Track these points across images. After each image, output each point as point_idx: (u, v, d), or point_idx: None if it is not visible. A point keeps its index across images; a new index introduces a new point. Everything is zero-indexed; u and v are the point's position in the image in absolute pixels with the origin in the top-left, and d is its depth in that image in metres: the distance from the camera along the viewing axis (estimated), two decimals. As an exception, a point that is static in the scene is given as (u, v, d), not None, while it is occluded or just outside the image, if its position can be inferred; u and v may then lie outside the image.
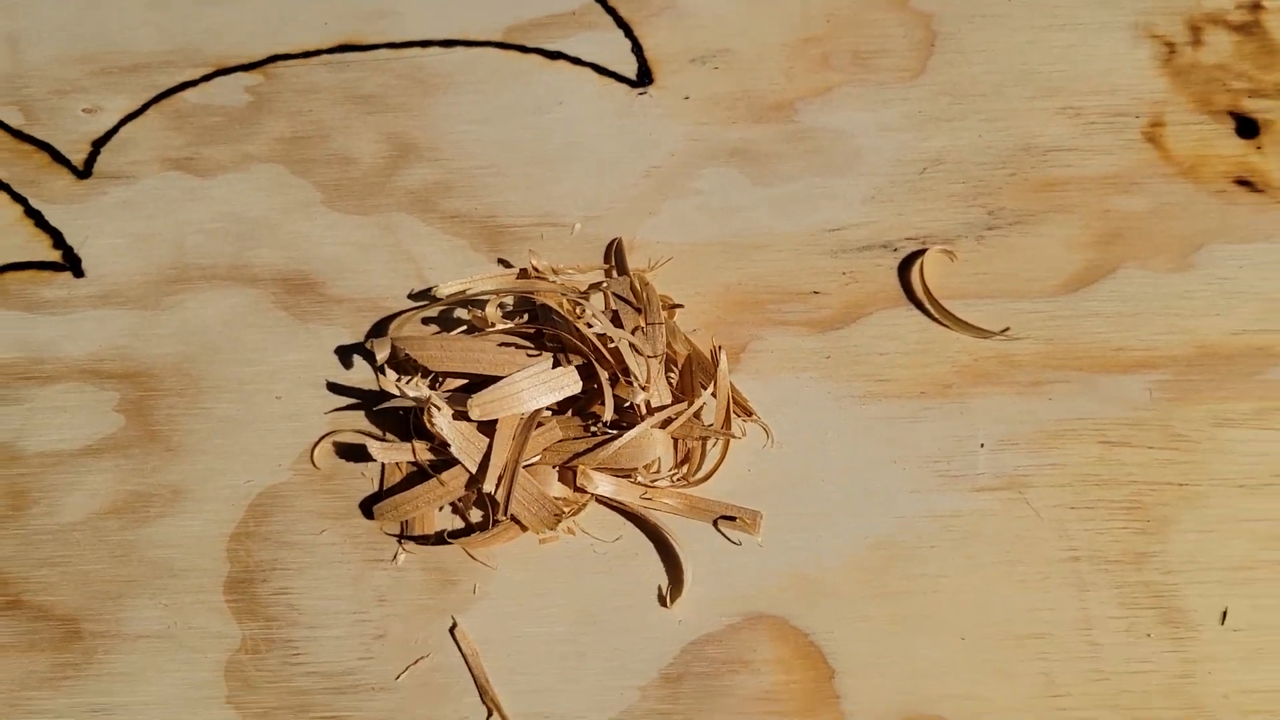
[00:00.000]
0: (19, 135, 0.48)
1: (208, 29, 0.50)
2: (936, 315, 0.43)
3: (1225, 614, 0.38)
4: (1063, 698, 0.37)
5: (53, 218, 0.46)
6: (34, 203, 0.47)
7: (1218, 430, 0.41)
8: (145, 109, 0.48)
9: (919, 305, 0.43)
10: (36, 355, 0.43)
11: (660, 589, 0.39)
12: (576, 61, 0.49)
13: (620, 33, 0.49)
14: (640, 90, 0.48)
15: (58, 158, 0.48)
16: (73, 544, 0.40)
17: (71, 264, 0.45)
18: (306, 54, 0.49)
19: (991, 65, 0.48)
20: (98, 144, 0.48)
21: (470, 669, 0.38)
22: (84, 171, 0.47)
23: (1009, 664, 0.38)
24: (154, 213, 0.46)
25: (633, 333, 0.40)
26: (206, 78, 0.49)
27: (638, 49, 0.49)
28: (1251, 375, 0.42)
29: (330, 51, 0.50)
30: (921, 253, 0.44)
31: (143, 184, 0.47)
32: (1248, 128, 0.46)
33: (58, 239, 0.46)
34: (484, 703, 0.37)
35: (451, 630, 0.39)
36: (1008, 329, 0.42)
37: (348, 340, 0.43)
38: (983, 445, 0.41)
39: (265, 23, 0.50)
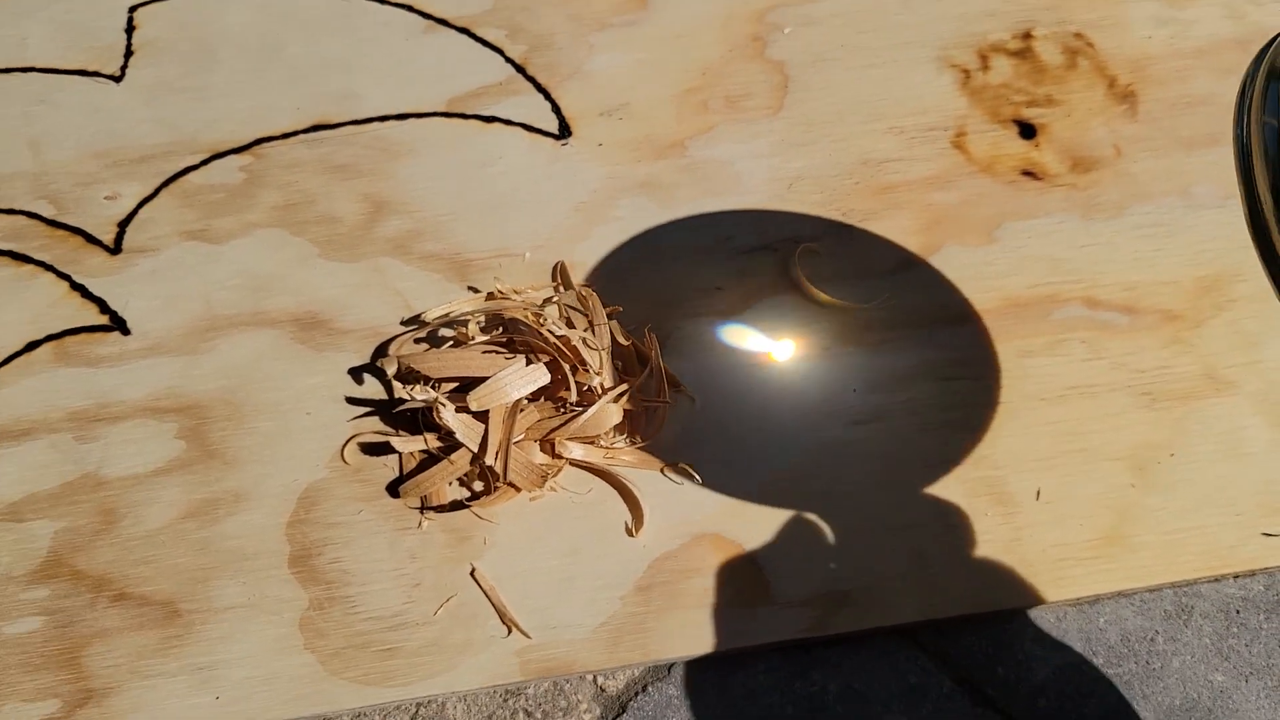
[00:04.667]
0: (53, 224, 0.58)
1: (200, 120, 0.61)
2: (811, 296, 0.56)
3: (1039, 492, 0.52)
4: (931, 567, 0.51)
5: (95, 289, 0.56)
6: (76, 278, 0.57)
7: (1022, 360, 0.55)
8: (157, 192, 0.59)
9: (797, 289, 0.56)
10: (103, 401, 0.54)
11: (626, 524, 0.51)
12: (508, 123, 0.61)
13: (541, 96, 0.62)
14: (562, 142, 0.61)
15: (90, 239, 0.58)
16: (160, 545, 0.51)
17: (119, 325, 0.56)
18: (286, 135, 0.61)
19: (833, 99, 0.62)
20: (122, 224, 0.58)
21: (490, 600, 0.50)
22: (115, 248, 0.58)
23: (888, 546, 0.51)
24: (180, 276, 0.57)
25: (584, 333, 0.52)
26: (205, 162, 0.60)
27: (556, 109, 0.61)
28: (1044, 317, 0.56)
29: (306, 131, 0.61)
30: (795, 249, 0.57)
31: (166, 254, 0.57)
32: (1027, 131, 0.61)
33: (103, 306, 0.56)
34: (504, 623, 0.49)
35: (472, 573, 0.50)
36: (871, 301, 0.56)
37: (357, 362, 0.55)
38: (855, 390, 0.54)
39: (248, 111, 0.61)
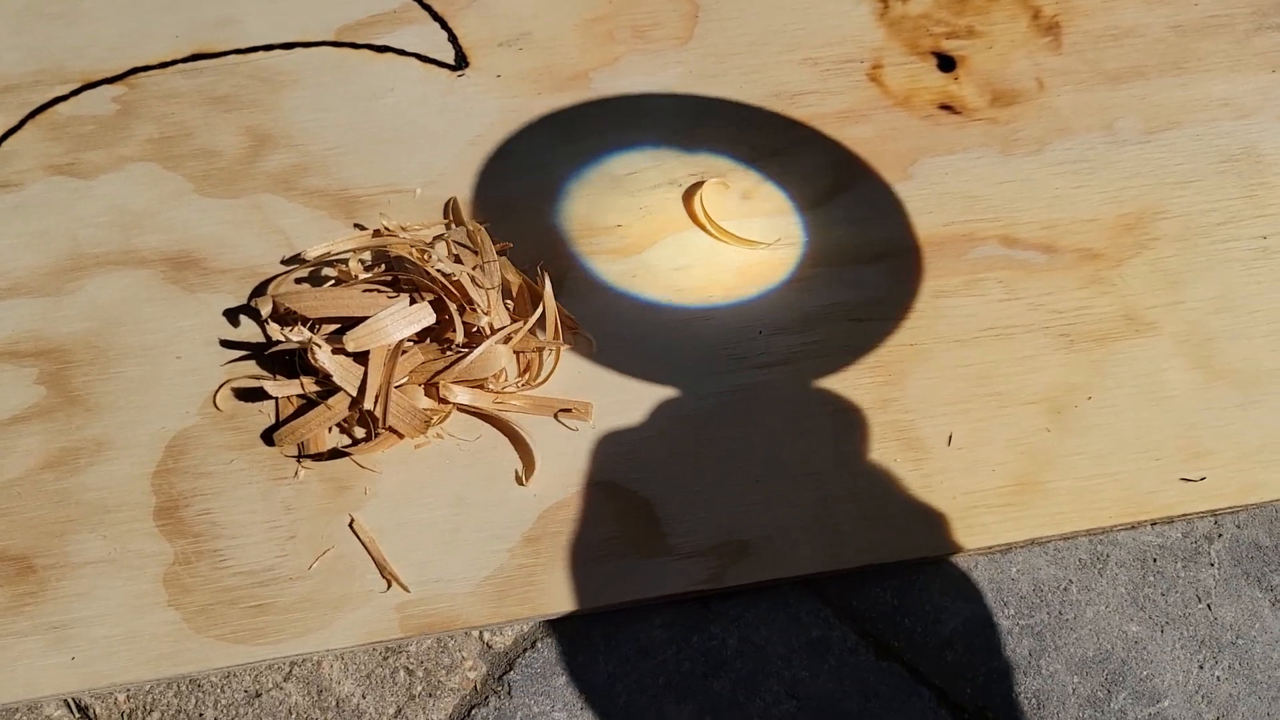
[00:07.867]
0: (-92, 157, 0.54)
1: (70, 48, 0.57)
2: (716, 234, 0.53)
3: (951, 437, 0.50)
4: (835, 516, 0.48)
5: (-48, 227, 0.53)
6: (-68, 215, 0.53)
7: (936, 300, 0.53)
8: (23, 124, 0.55)
9: (701, 227, 0.54)
10: (-43, 345, 0.50)
11: (517, 472, 0.48)
12: (402, 53, 0.58)
13: (437, 25, 0.58)
14: (459, 73, 0.57)
15: (-52, 174, 0.54)
16: (15, 497, 0.47)
17: (-24, 264, 0.52)
18: (163, 64, 0.57)
19: (745, 29, 0.59)
20: (-17, 158, 0.54)
21: (369, 552, 0.47)
22: (-26, 184, 0.54)
23: (791, 493, 0.48)
24: (45, 213, 0.53)
25: (472, 270, 0.49)
26: (75, 92, 0.56)
27: (453, 38, 0.58)
28: (959, 256, 0.54)
29: (184, 61, 0.57)
30: (700, 185, 0.54)
31: (30, 189, 0.54)
32: (947, 64, 0.58)
33: (-41, 245, 0.52)
34: (383, 577, 0.46)
35: (350, 524, 0.47)
36: (779, 239, 0.53)
37: (233, 304, 0.51)
38: (760, 332, 0.52)
39: (122, 39, 0.57)
